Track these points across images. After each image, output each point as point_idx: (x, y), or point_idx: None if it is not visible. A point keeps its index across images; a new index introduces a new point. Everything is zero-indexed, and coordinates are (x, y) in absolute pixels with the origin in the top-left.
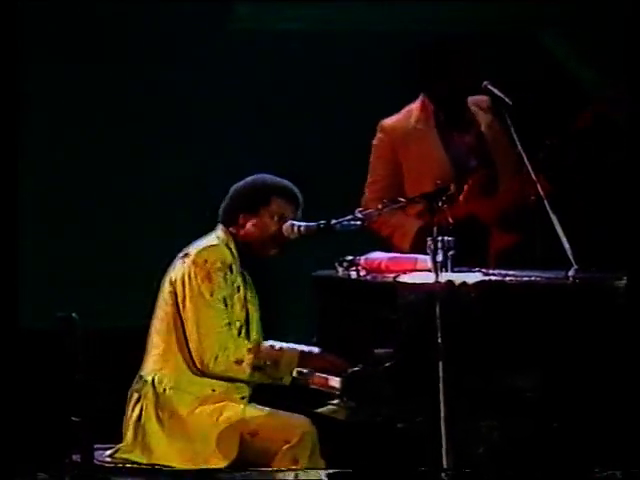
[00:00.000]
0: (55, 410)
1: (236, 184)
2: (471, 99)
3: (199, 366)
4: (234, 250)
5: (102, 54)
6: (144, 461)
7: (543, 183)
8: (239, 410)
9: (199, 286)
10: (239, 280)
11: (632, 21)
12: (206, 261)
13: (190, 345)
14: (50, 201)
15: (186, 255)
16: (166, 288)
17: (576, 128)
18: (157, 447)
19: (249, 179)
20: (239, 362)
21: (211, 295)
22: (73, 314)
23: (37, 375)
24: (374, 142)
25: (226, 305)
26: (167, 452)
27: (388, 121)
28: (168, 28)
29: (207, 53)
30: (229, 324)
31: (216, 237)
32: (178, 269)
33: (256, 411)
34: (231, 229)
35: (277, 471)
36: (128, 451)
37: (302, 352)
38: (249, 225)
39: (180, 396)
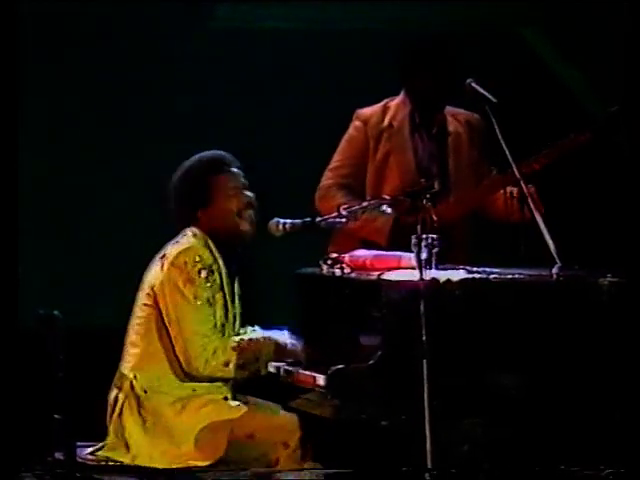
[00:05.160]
0: (37, 408)
1: (172, 185)
2: (450, 109)
3: (187, 369)
4: (212, 247)
5: (85, 53)
6: (127, 460)
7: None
8: (224, 409)
9: (182, 290)
10: (219, 278)
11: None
12: (186, 263)
13: (177, 349)
14: (33, 199)
15: (164, 257)
16: (145, 290)
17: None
18: (139, 448)
19: (179, 176)
20: (227, 364)
21: (195, 298)
22: (55, 312)
23: (19, 373)
24: (349, 129)
25: (210, 305)
26: (149, 453)
27: (365, 111)
28: (149, 27)
29: (188, 52)
30: (215, 325)
31: (192, 236)
32: (157, 272)
33: (246, 411)
34: (199, 227)
35: (277, 471)
36: (111, 449)
37: (277, 344)
38: (211, 216)
39: (161, 398)
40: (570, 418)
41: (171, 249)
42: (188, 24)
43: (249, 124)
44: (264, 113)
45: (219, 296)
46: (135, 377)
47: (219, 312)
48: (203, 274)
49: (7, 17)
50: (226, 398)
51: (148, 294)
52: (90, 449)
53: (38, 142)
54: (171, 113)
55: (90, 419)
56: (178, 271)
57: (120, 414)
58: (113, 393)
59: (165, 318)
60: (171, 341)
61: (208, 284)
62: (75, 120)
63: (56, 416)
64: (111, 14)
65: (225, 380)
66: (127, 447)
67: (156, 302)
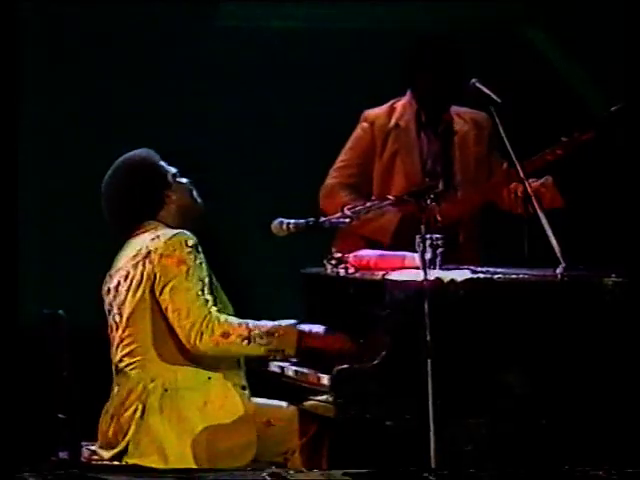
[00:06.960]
0: (41, 407)
1: (111, 191)
2: (456, 108)
3: (189, 348)
4: None
5: (88, 52)
6: (161, 465)
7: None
8: (244, 401)
9: (173, 272)
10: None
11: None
12: (174, 249)
13: (177, 331)
14: (33, 199)
15: (149, 254)
16: (132, 286)
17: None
18: (172, 449)
19: (117, 185)
20: (226, 335)
21: (187, 276)
22: (60, 311)
23: (23, 372)
24: (356, 129)
25: (202, 282)
26: (181, 452)
27: (372, 112)
28: (155, 26)
29: (193, 50)
30: (207, 300)
31: (165, 225)
32: (145, 268)
33: (259, 403)
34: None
35: (279, 471)
36: (139, 455)
37: (300, 330)
38: (170, 209)
39: (184, 396)
40: (574, 418)
41: (156, 243)
42: (191, 23)
43: (252, 123)
44: (267, 112)
45: (205, 275)
46: (152, 380)
47: (207, 290)
48: (192, 255)
49: (7, 17)
50: (244, 387)
51: (134, 289)
52: (108, 454)
53: (38, 142)
54: (173, 113)
55: (94, 418)
56: (169, 258)
57: (138, 416)
58: (120, 396)
59: (162, 305)
60: (169, 326)
61: (198, 261)
62: (75, 120)
63: (60, 415)
64: (112, 14)
65: (237, 365)
66: (159, 451)
67: (152, 294)
